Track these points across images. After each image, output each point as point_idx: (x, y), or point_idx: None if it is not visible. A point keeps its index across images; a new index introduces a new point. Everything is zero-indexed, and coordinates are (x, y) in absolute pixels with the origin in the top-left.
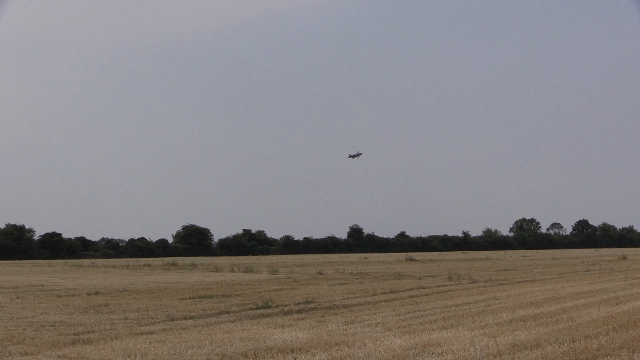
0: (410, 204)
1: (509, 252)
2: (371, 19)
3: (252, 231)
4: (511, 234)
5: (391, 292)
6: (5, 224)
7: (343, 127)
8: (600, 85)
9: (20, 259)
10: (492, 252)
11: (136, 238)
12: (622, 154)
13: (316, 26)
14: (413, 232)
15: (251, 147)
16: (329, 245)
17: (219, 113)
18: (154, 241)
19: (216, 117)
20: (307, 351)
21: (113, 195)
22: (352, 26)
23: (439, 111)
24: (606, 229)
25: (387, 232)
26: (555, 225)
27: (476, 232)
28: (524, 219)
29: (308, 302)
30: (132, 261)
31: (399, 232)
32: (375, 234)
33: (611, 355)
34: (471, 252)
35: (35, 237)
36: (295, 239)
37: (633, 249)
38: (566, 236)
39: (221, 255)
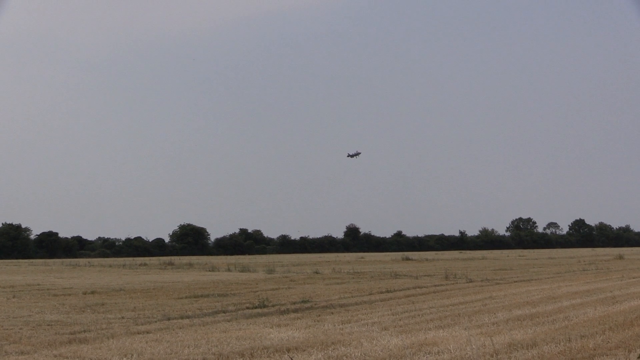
0: (406, 204)
1: (506, 252)
2: (367, 19)
3: (249, 230)
4: (508, 234)
5: (388, 291)
6: (2, 223)
7: (339, 127)
8: (597, 85)
9: (16, 258)
10: (489, 251)
11: (132, 237)
12: (618, 154)
13: (313, 25)
14: (410, 232)
15: (248, 146)
16: (325, 245)
17: (216, 112)
18: (150, 240)
19: (213, 116)
20: (304, 350)
21: (109, 195)
22: (348, 26)
23: (436, 111)
24: (603, 228)
25: (384, 231)
26: (552, 224)
27: (473, 231)
28: (520, 219)
29: (304, 302)
30: (128, 260)
31: (395, 232)
32: (372, 234)
33: (607, 355)
34: (468, 251)
35: (32, 237)
36: (292, 238)
37: (629, 248)
38: (563, 236)
39: (218, 254)
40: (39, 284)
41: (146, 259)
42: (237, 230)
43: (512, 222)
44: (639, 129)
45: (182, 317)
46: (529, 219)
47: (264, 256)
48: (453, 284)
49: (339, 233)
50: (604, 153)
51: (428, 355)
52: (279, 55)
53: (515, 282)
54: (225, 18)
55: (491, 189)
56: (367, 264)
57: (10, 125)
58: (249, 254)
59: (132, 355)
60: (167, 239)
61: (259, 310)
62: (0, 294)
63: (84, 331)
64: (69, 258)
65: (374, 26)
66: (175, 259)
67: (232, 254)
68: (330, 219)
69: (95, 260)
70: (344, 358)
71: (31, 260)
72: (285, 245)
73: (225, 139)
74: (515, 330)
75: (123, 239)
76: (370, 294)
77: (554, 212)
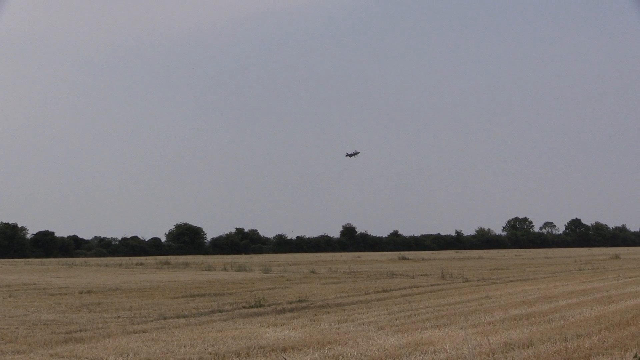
0: (403, 203)
1: (502, 251)
2: (366, 18)
3: (245, 230)
4: (504, 233)
5: (384, 291)
6: None
7: (336, 127)
8: (593, 85)
9: (12, 258)
10: (485, 251)
11: (129, 237)
12: (615, 154)
13: (311, 25)
14: (406, 231)
15: (244, 146)
16: (321, 244)
17: (212, 112)
18: (146, 240)
19: (209, 115)
20: (300, 350)
21: (106, 194)
22: (346, 25)
23: (432, 111)
24: (599, 228)
25: (380, 231)
26: (548, 224)
27: (469, 231)
28: (516, 218)
29: (301, 301)
30: (124, 260)
31: (391, 231)
32: (368, 233)
33: (603, 354)
34: (464, 251)
35: (28, 236)
36: (288, 237)
37: (626, 248)
38: (559, 235)
39: (214, 254)
40: (35, 283)
41: (142, 259)
42: (233, 230)
43: (509, 221)
44: (635, 128)
45: (178, 317)
46: (525, 219)
47: (260, 256)
48: (449, 283)
49: (335, 232)
50: (600, 153)
51: (424, 355)
52: (275, 54)
53: (511, 281)
54: (223, 18)
55: (487, 188)
56: (364, 264)
57: (7, 124)
58: (245, 254)
59: (129, 354)
60: (163, 239)
61: (255, 309)
62: None
63: (80, 330)
64: (65, 257)
65: (369, 25)
66: (172, 259)
67: (228, 253)
68: (326, 219)
69: (92, 260)
70: (340, 357)
71: (27, 259)
72: (282, 244)
73: (222, 138)
74: (512, 329)
75: (119, 238)
76: (367, 294)
77: (551, 212)
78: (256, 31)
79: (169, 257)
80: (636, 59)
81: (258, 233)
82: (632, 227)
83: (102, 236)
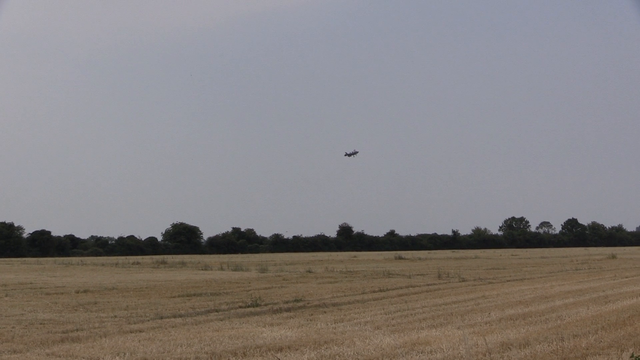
0: (399, 203)
1: (499, 251)
2: (364, 17)
3: (242, 229)
4: (500, 233)
5: (380, 290)
6: None
7: (333, 126)
8: (589, 85)
9: (9, 257)
10: (482, 250)
11: (125, 236)
12: (612, 154)
13: (310, 25)
14: (402, 231)
15: (241, 145)
16: (318, 244)
17: (210, 111)
18: (143, 239)
19: (207, 115)
20: (296, 349)
21: (102, 193)
22: (344, 25)
23: (429, 111)
24: (595, 228)
25: (377, 230)
26: (545, 224)
27: (465, 230)
28: (513, 218)
29: (297, 301)
30: (121, 259)
31: (388, 231)
32: (365, 233)
33: (600, 354)
34: (460, 250)
35: (25, 235)
36: (285, 237)
37: (622, 248)
38: (555, 235)
39: (210, 253)
40: (31, 283)
41: (139, 258)
42: (230, 229)
43: (505, 221)
44: (633, 128)
45: (174, 316)
46: (522, 219)
47: (256, 255)
48: (446, 283)
49: (331, 232)
50: (597, 153)
51: (421, 355)
52: (274, 53)
53: (508, 281)
54: (222, 17)
55: (484, 188)
56: (360, 263)
57: (3, 123)
58: (242, 253)
59: (125, 354)
60: (160, 238)
61: (251, 309)
62: None
63: (77, 330)
64: (62, 257)
65: (367, 25)
66: (168, 258)
67: (225, 252)
68: (323, 218)
69: (88, 259)
70: (337, 357)
71: (24, 258)
72: (278, 244)
73: (218, 137)
74: (508, 329)
75: (116, 237)
76: (363, 293)
77: (547, 212)
78: (254, 31)
79: (165, 256)
80: (634, 59)
81: (255, 232)
82: (629, 227)
83: (98, 235)
